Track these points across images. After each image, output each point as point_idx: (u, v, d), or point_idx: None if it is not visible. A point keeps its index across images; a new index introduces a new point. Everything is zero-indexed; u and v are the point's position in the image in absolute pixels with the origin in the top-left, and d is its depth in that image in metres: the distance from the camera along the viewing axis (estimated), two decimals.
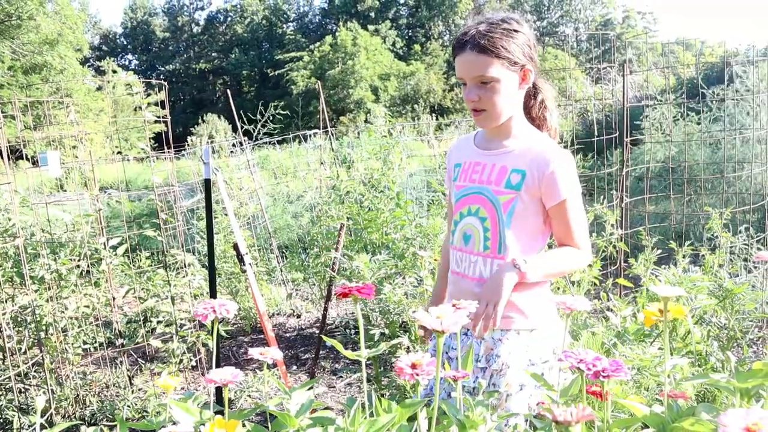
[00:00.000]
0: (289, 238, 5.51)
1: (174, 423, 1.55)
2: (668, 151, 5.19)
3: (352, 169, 3.95)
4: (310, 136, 8.41)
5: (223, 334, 3.99)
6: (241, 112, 5.94)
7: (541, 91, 1.60)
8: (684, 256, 3.02)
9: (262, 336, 4.25)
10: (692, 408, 0.92)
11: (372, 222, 3.53)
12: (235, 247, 2.84)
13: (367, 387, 1.83)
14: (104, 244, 3.33)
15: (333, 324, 4.34)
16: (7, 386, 3.46)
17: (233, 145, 6.40)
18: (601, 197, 3.80)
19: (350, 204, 3.75)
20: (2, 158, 2.87)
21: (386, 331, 2.48)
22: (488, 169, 1.55)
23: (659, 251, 3.30)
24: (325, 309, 2.73)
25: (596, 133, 3.83)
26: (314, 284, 4.48)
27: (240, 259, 2.83)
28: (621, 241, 3.63)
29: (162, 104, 3.52)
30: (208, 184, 2.80)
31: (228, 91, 6.59)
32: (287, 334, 4.25)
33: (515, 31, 1.46)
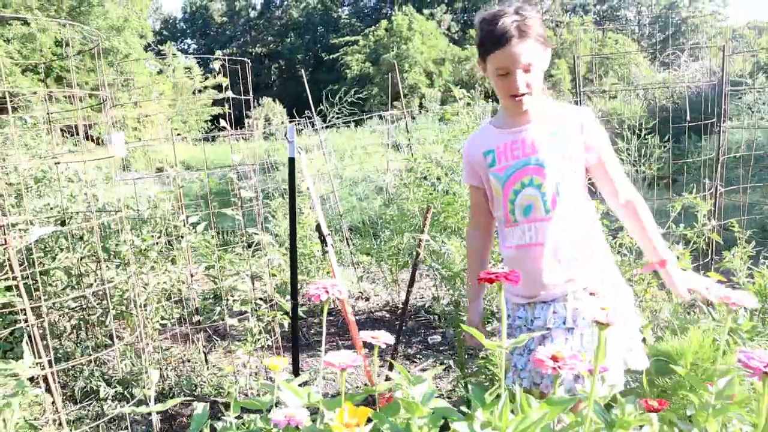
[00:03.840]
0: (355, 221, 5.48)
1: (278, 404, 1.51)
2: (756, 136, 4.89)
3: (427, 151, 3.86)
4: (374, 117, 8.35)
5: (300, 314, 3.99)
6: (305, 94, 5.92)
7: None
8: None
9: (331, 317, 4.24)
10: None
11: (449, 206, 3.44)
12: (318, 228, 2.80)
13: (455, 374, 1.73)
14: (184, 221, 3.36)
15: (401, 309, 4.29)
16: (91, 357, 3.56)
17: (309, 125, 6.39)
18: (690, 185, 3.60)
19: (426, 187, 3.67)
20: (77, 137, 2.91)
21: None
22: (527, 141, 1.66)
23: (753, 244, 3.10)
24: (408, 292, 2.67)
25: (688, 117, 3.61)
26: (385, 267, 4.44)
27: (322, 240, 2.79)
28: (714, 232, 3.43)
29: (220, 88, 3.50)
30: (291, 163, 2.77)
31: (302, 72, 6.56)
32: (356, 317, 4.22)
33: (535, 14, 1.59)
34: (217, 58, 3.52)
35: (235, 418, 1.49)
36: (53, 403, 2.85)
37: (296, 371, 2.95)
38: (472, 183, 1.82)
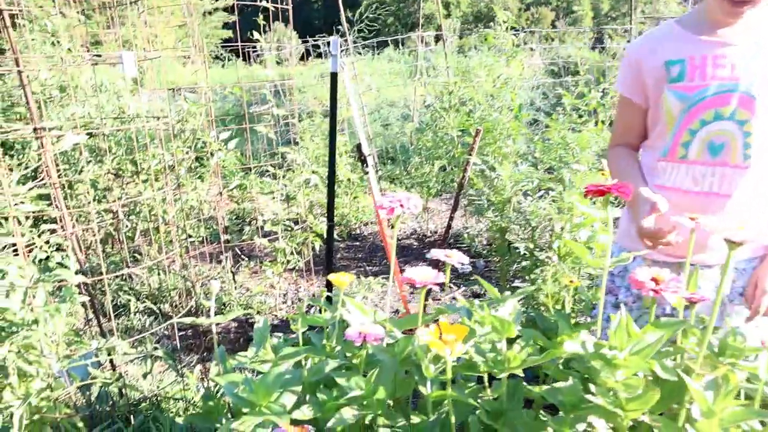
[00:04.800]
0: (380, 147, 5.35)
1: (341, 320, 1.45)
2: None
3: (467, 78, 3.69)
4: (390, 45, 8.05)
5: (338, 237, 3.92)
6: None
7: None
8: None
9: (357, 243, 4.19)
10: None
11: (488, 133, 3.31)
12: (358, 147, 2.69)
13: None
14: (216, 136, 3.24)
15: (432, 237, 4.23)
16: (120, 272, 3.53)
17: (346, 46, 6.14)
18: None
19: (464, 113, 3.53)
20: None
21: (531, 246, 2.32)
22: (737, 61, 1.32)
23: None
24: (451, 218, 2.58)
25: None
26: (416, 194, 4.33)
27: (362, 160, 2.68)
28: None
29: (231, 9, 3.30)
30: (334, 78, 2.63)
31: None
32: (383, 244, 4.17)
33: None
34: None
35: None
36: (86, 315, 2.84)
37: (329, 290, 2.91)
38: (629, 96, 1.49)
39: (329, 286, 2.95)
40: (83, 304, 2.25)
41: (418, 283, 1.18)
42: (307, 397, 1.25)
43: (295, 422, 1.11)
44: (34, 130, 1.97)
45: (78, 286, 1.81)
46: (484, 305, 1.31)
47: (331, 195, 2.77)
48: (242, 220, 4.15)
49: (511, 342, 1.15)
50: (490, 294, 1.35)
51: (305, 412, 1.15)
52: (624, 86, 1.51)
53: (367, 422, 1.18)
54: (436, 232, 4.27)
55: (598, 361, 0.88)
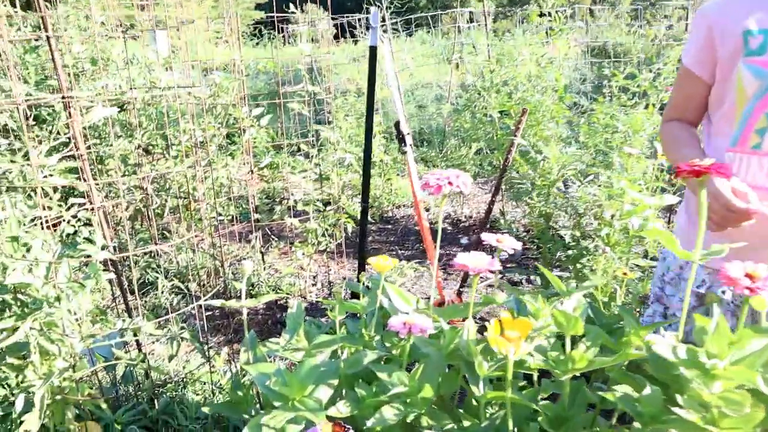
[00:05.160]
0: (414, 129, 5.21)
1: (380, 308, 1.34)
2: None
3: (510, 58, 3.52)
4: (438, 23, 7.86)
5: (370, 220, 3.83)
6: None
7: None
8: None
9: (389, 226, 4.08)
10: None
11: (531, 115, 3.15)
12: (397, 125, 2.56)
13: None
14: (248, 112, 3.15)
15: (467, 222, 4.10)
16: (147, 247, 3.48)
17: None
18: None
19: (504, 94, 3.37)
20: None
21: (577, 233, 2.18)
22: None
23: None
24: (492, 202, 2.45)
25: None
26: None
27: (400, 138, 2.56)
28: None
29: None
30: (373, 52, 2.50)
31: None
32: (417, 227, 4.05)
33: None
34: None
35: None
36: (113, 293, 2.78)
37: (360, 273, 2.81)
38: (692, 68, 1.30)
39: (361, 268, 2.85)
40: (110, 281, 2.18)
41: (471, 270, 1.06)
42: (344, 392, 1.15)
43: (330, 419, 1.01)
44: (63, 98, 1.89)
45: (104, 263, 1.73)
46: (538, 297, 1.19)
47: (367, 174, 2.66)
48: (272, 200, 4.07)
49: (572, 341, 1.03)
50: (532, 285, 1.23)
51: (342, 409, 1.05)
52: (688, 56, 1.31)
53: (408, 421, 1.07)
54: (471, 217, 4.13)
55: (693, 369, 0.75)
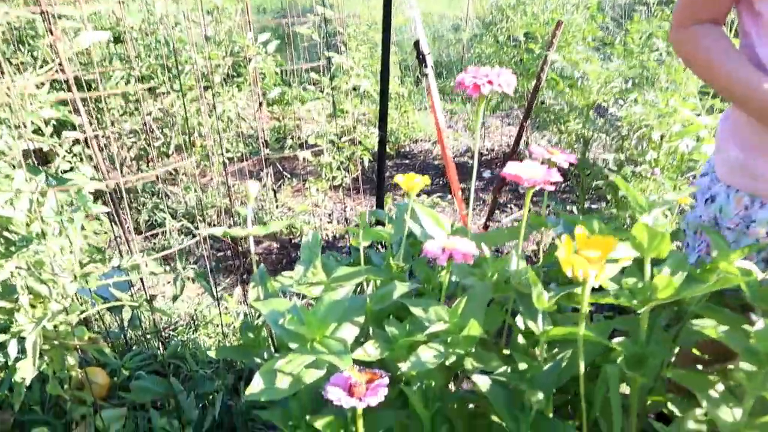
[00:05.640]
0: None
1: (409, 235, 1.17)
2: None
3: None
4: None
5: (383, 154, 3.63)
6: None
7: None
8: None
9: (407, 161, 3.87)
10: None
11: (561, 34, 2.87)
12: (416, 44, 2.32)
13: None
14: (253, 39, 2.91)
15: (489, 155, 3.88)
16: (155, 189, 3.33)
17: None
18: None
19: (532, 13, 3.09)
20: None
21: (621, 157, 1.97)
22: None
23: None
24: (522, 127, 2.23)
25: None
26: (470, 110, 3.97)
27: (421, 59, 2.32)
28: None
29: None
30: None
31: None
32: (435, 162, 3.84)
33: None
34: None
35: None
36: (115, 233, 2.64)
37: (379, 206, 2.64)
38: None
39: (380, 204, 2.67)
40: (110, 218, 2.02)
41: (525, 181, 0.87)
42: (371, 332, 0.98)
43: (356, 363, 0.84)
44: (41, 13, 1.68)
45: (101, 198, 1.56)
46: (593, 219, 1.01)
47: (384, 101, 2.43)
48: (283, 137, 3.87)
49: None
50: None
51: (371, 351, 0.88)
52: None
53: (448, 364, 0.90)
54: (492, 150, 3.91)
55: None
